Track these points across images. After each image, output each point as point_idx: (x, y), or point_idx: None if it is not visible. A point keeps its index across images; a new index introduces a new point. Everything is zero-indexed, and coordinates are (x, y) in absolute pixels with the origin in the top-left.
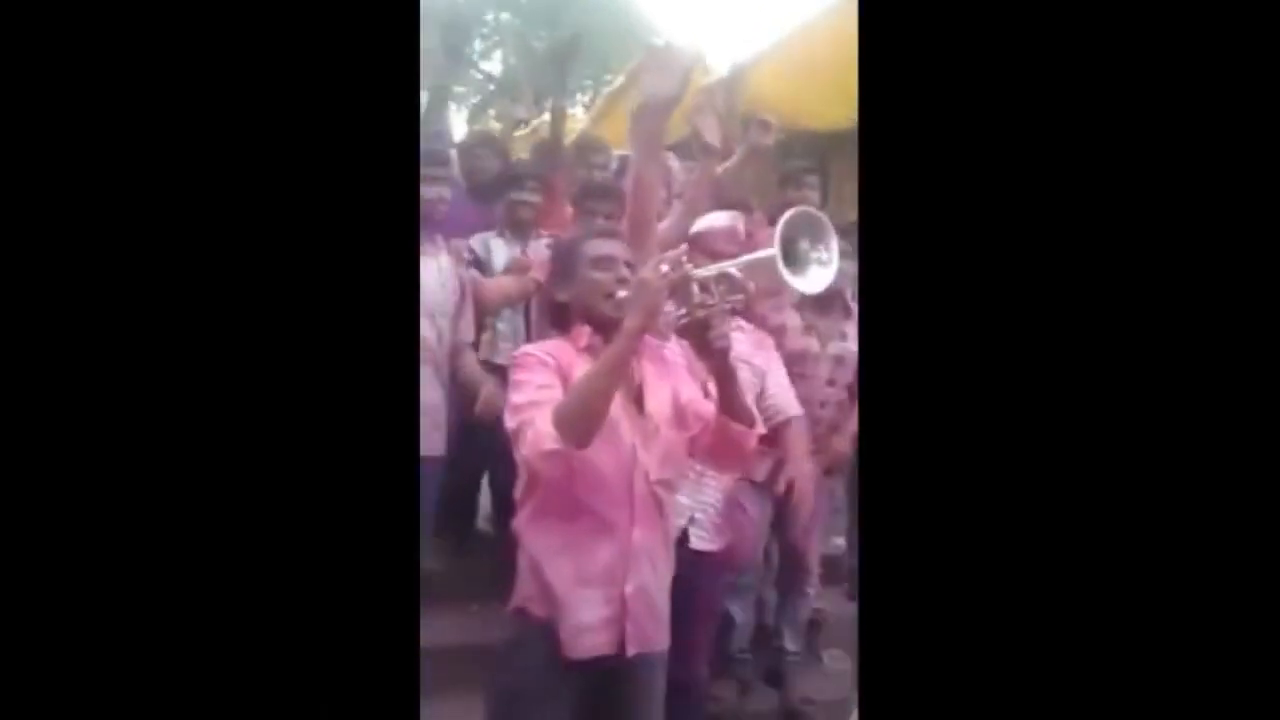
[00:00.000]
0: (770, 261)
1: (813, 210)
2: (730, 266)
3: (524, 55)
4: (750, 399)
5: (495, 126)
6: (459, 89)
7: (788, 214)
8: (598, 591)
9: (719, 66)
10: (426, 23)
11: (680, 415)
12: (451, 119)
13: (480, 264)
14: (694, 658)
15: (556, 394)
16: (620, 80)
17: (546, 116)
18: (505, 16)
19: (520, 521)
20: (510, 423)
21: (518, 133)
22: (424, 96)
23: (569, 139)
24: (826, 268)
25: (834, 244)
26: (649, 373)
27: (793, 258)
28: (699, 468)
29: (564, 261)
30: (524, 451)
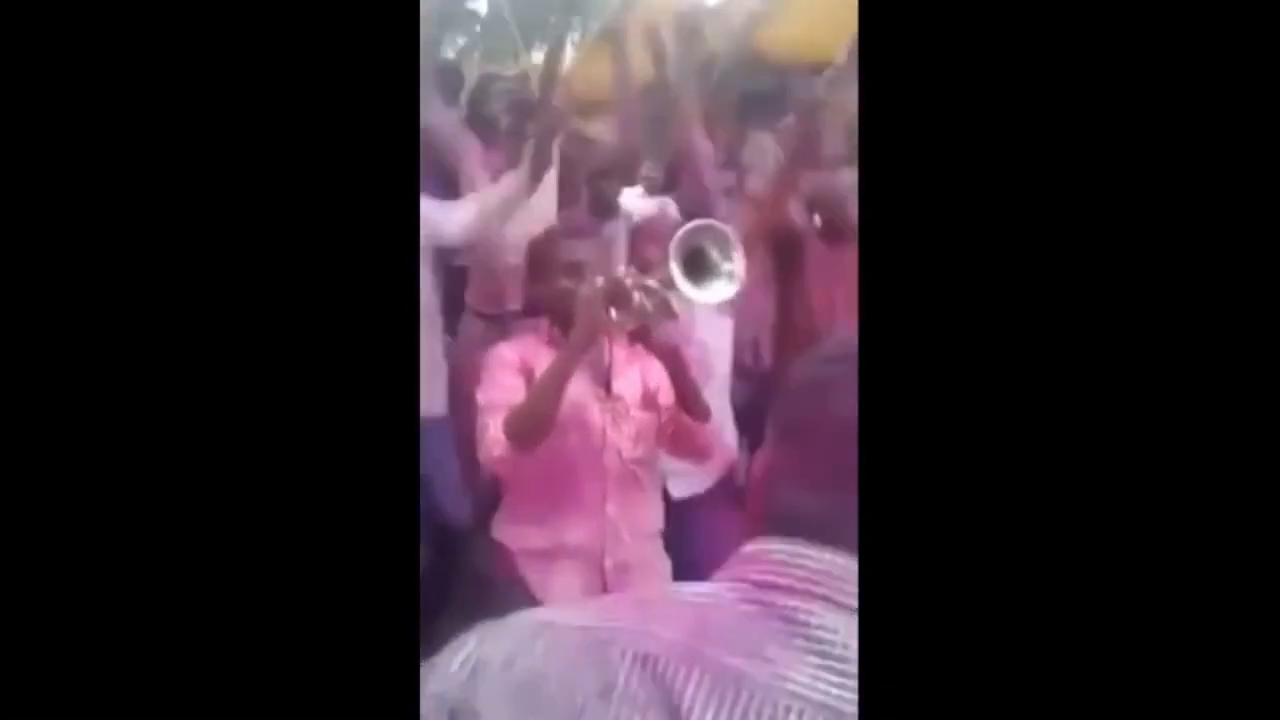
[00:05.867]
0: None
1: (716, 224)
2: (651, 281)
3: None
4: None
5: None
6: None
7: (686, 226)
8: (577, 563)
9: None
10: None
11: (650, 397)
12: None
13: None
14: None
15: (515, 396)
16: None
17: (537, 60)
18: None
19: (497, 519)
20: (476, 422)
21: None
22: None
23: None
24: (731, 282)
25: (738, 256)
26: (619, 358)
27: (699, 267)
28: None
29: (538, 259)
30: (479, 454)
